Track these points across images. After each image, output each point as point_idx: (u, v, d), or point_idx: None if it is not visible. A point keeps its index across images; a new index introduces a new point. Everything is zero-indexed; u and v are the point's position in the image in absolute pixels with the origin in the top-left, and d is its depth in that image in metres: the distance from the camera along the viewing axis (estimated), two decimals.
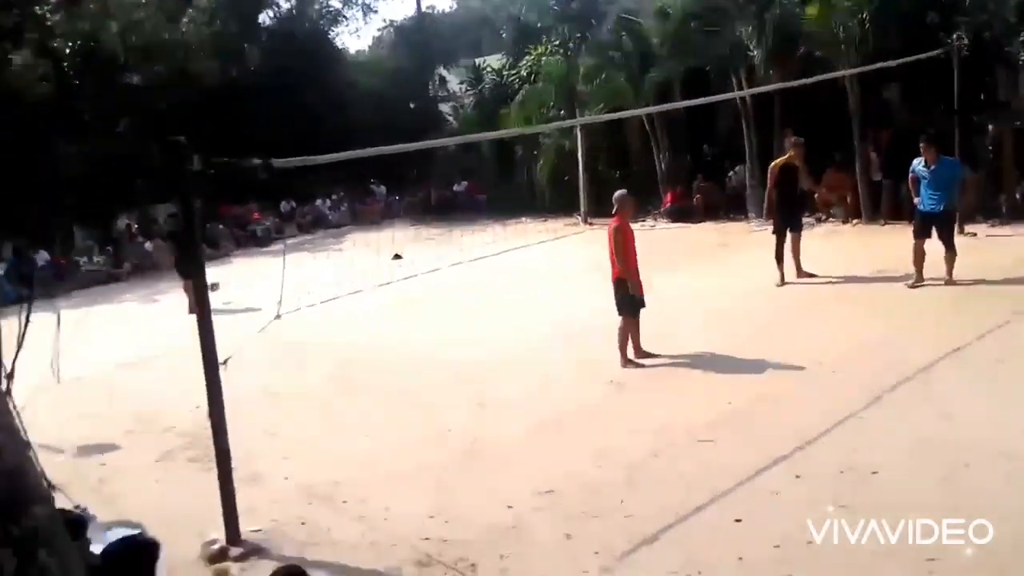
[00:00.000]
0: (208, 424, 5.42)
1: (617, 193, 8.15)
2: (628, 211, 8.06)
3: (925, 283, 9.41)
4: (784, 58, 15.12)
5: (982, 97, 13.42)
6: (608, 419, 6.66)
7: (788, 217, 10.34)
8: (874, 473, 5.21)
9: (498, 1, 29.10)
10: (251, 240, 20.67)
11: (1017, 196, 13.12)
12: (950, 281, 9.34)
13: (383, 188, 25.01)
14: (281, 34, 26.42)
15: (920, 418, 5.93)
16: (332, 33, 27.88)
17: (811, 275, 10.33)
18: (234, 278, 14.41)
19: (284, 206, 23.35)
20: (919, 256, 9.43)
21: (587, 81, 18.29)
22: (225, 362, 5.53)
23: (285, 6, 27.39)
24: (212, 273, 6.19)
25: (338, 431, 7.03)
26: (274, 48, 25.60)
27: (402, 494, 5.65)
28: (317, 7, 27.49)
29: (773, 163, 10.64)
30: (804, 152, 10.50)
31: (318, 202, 23.49)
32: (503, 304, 11.14)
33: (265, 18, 27.15)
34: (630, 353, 7.93)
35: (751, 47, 15.40)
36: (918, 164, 9.62)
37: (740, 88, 15.56)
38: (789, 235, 10.31)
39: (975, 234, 12.16)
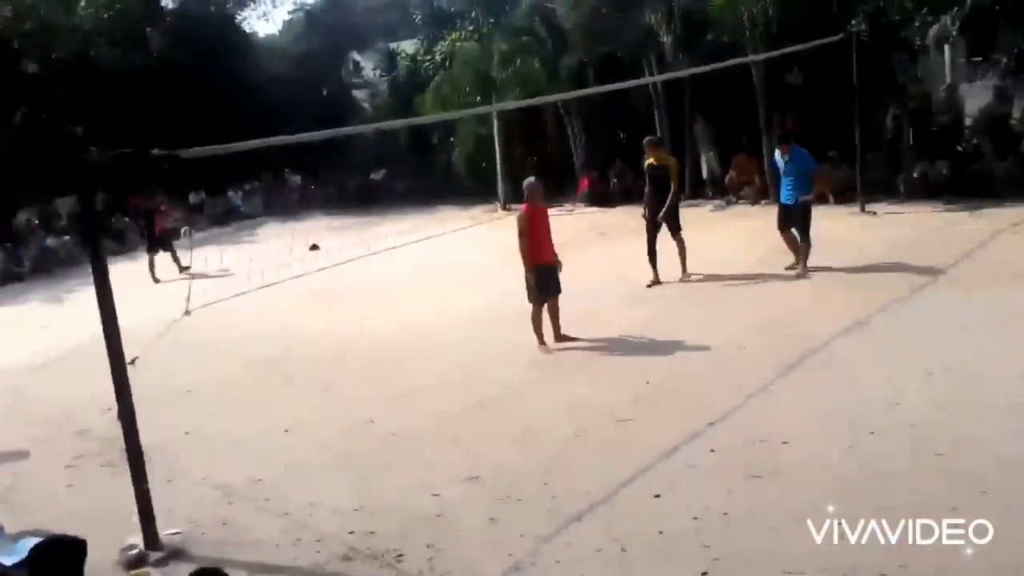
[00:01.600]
0: (119, 426, 5.27)
1: (526, 181, 8.28)
2: (536, 198, 8.14)
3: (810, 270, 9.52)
4: (693, 44, 15.46)
5: (881, 81, 13.96)
6: (528, 402, 6.75)
7: (654, 217, 9.75)
8: (784, 443, 5.44)
9: None
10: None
11: (915, 175, 13.76)
12: (802, 273, 9.47)
13: (297, 177, 24.49)
14: (186, 18, 25.46)
15: (825, 389, 6.22)
16: (240, 16, 27.03)
17: (688, 278, 9.93)
18: (142, 274, 13.93)
19: (193, 198, 22.62)
20: (790, 243, 9.72)
21: (502, 66, 18.30)
22: (133, 361, 5.40)
23: None
24: (119, 270, 6.00)
25: (256, 427, 6.90)
26: (179, 33, 24.66)
27: (325, 488, 5.61)
28: None
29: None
30: (658, 151, 9.99)
31: (229, 193, 22.84)
32: (422, 292, 11.11)
33: (168, 1, 26.16)
34: (548, 339, 8.03)
35: (661, 33, 15.70)
36: (778, 157, 10.01)
37: (652, 74, 15.83)
38: (671, 236, 9.82)
39: (875, 213, 12.73)
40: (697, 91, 15.82)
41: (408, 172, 23.02)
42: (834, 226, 11.48)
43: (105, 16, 22.43)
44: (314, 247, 15.11)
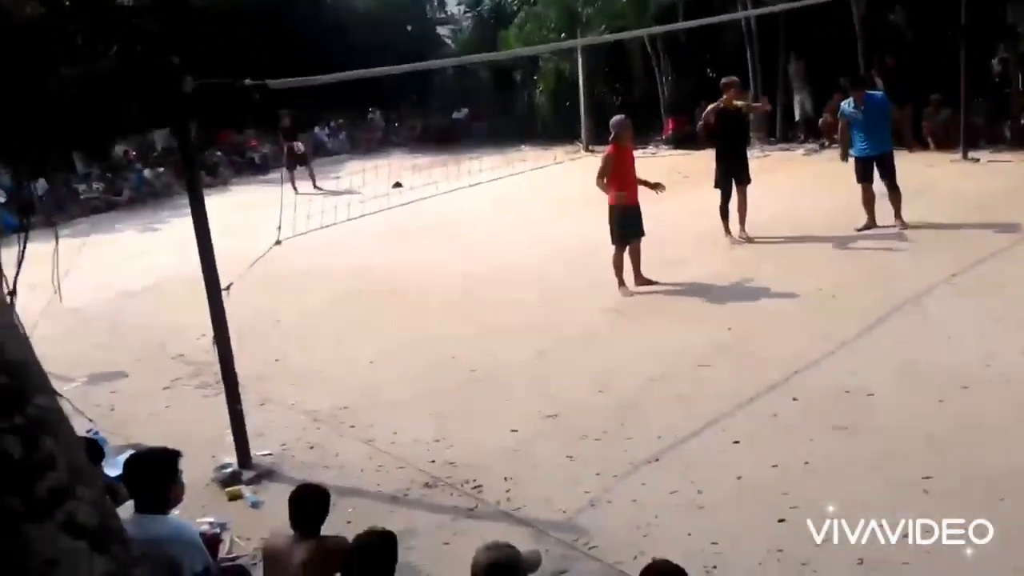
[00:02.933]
0: (215, 351, 5.52)
1: (614, 119, 8.11)
2: (625, 137, 7.95)
3: (877, 226, 9.00)
4: None
5: (991, 22, 13.11)
6: (608, 345, 6.76)
7: (729, 171, 9.14)
8: (870, 395, 5.32)
9: None
10: (249, 167, 20.52)
11: (1023, 122, 12.98)
12: (901, 224, 8.87)
13: (379, 115, 24.73)
14: None
15: (916, 343, 6.02)
16: None
17: (750, 239, 9.22)
18: (233, 206, 14.37)
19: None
20: (868, 199, 9.03)
21: (588, 2, 17.89)
22: (227, 288, 5.59)
23: None
24: (212, 203, 6.18)
25: (343, 358, 7.13)
26: None
27: (408, 419, 5.77)
28: None
29: (709, 108, 9.26)
30: (738, 92, 9.30)
31: (316, 130, 23.21)
32: (503, 231, 11.17)
33: None
34: (629, 281, 7.99)
35: None
36: (847, 105, 9.05)
37: (745, 9, 15.23)
38: (735, 188, 9.17)
39: (978, 160, 12.10)
40: (792, 28, 15.14)
41: (490, 111, 22.95)
42: (933, 173, 10.99)
43: None
44: (397, 184, 15.28)
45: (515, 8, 21.32)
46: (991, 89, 13.89)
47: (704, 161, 14.77)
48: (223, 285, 5.49)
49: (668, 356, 6.33)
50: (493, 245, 10.42)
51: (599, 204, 8.13)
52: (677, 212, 10.38)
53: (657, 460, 4.89)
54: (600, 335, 7.01)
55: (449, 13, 27.32)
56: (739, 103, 9.21)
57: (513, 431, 5.44)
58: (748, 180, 9.24)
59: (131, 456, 3.79)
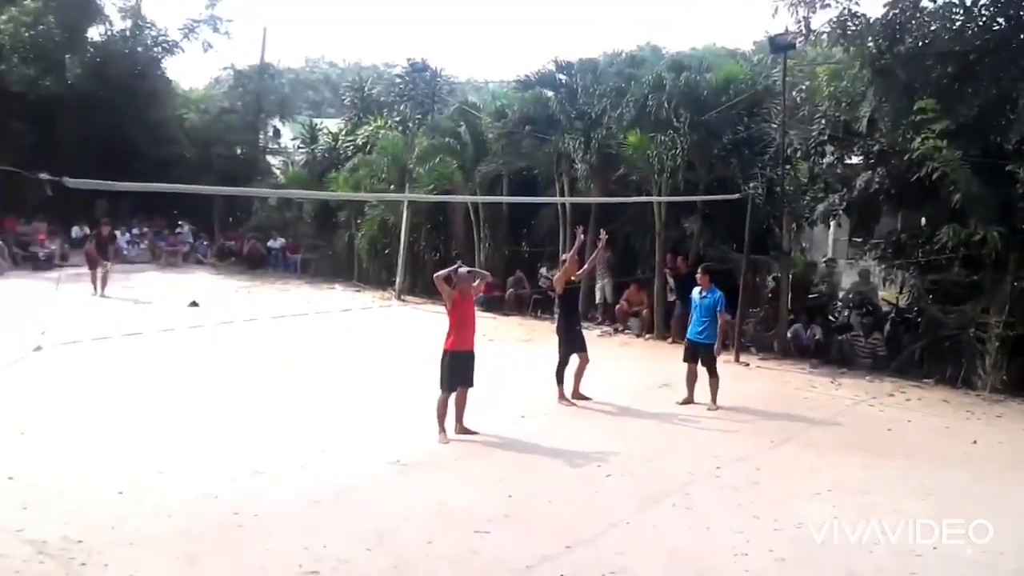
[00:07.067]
0: None
1: (461, 270, 8.49)
2: (467, 289, 8.30)
3: (694, 403, 10.02)
4: (604, 174, 16.17)
5: (769, 243, 14.85)
6: (387, 500, 6.52)
7: (574, 338, 9.96)
8: None
9: (345, 67, 29.15)
10: (31, 262, 18.93)
11: (788, 335, 14.51)
12: (713, 407, 9.94)
13: (187, 228, 23.88)
14: (109, 52, 25.08)
15: (680, 529, 6.26)
16: (165, 62, 26.75)
17: (586, 398, 9.98)
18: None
19: (76, 231, 21.67)
20: (691, 377, 10.12)
21: (421, 161, 18.58)
22: None
23: (119, 25, 26.07)
24: None
25: (89, 480, 6.42)
26: (99, 65, 24.25)
27: (151, 562, 5.19)
28: (154, 33, 26.34)
29: (558, 278, 10.33)
30: (576, 265, 10.26)
31: (116, 234, 22.03)
32: (295, 368, 10.78)
33: (95, 33, 25.66)
34: (449, 427, 8.05)
35: (576, 159, 16.35)
36: (696, 292, 10.33)
37: (563, 194, 16.42)
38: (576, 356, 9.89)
39: (748, 364, 13.29)
40: (603, 218, 16.40)
41: (308, 245, 22.83)
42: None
43: (26, 35, 21.84)
44: (194, 304, 14.56)
45: (350, 153, 21.77)
46: (765, 302, 15.54)
47: (507, 327, 15.32)
48: None
49: (446, 517, 6.19)
50: (281, 380, 10.00)
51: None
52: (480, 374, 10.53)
53: None
54: (380, 488, 6.76)
55: (283, 145, 27.45)
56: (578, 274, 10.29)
57: None
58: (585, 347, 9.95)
59: None
